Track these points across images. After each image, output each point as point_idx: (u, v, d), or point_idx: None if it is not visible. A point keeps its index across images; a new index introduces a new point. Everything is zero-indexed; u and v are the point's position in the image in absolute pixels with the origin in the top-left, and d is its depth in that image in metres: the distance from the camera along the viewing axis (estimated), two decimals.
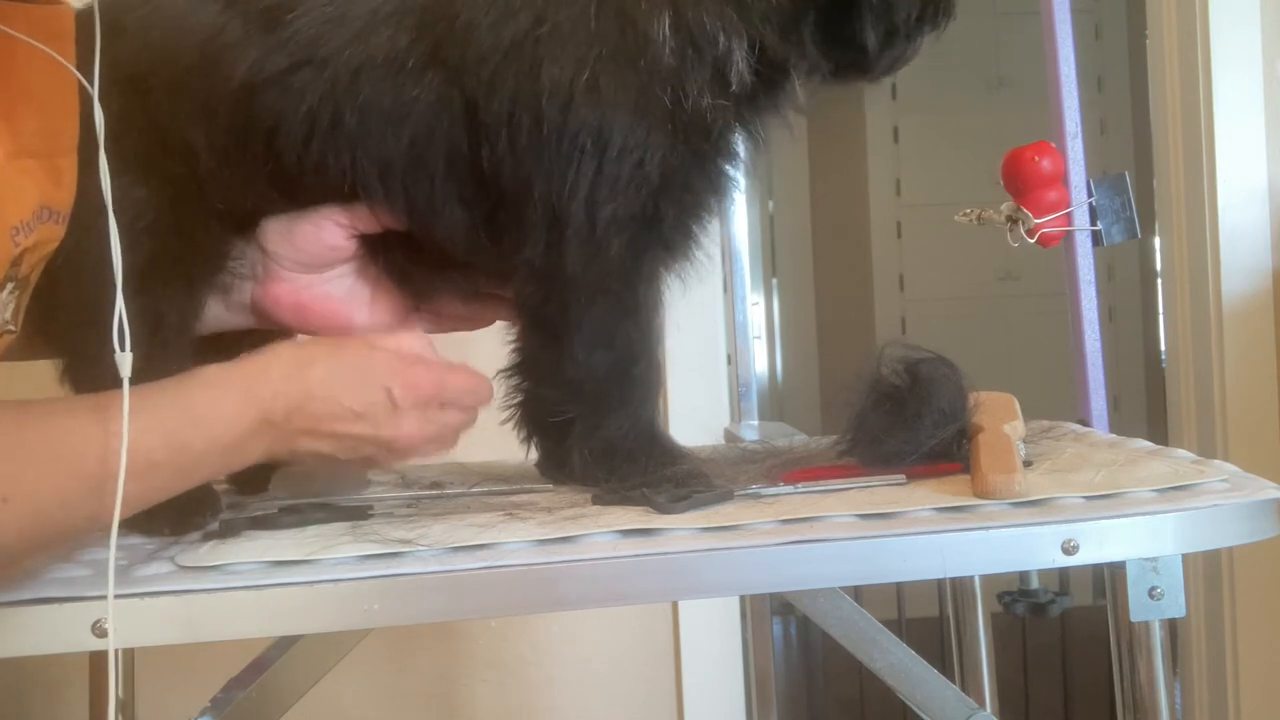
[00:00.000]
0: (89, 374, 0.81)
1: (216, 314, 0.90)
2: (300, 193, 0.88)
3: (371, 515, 0.83)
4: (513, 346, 0.94)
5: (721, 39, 0.80)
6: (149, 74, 0.84)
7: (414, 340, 0.81)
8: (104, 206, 0.71)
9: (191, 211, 0.86)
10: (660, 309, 0.90)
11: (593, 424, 0.87)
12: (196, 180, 0.86)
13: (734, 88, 0.82)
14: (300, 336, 0.91)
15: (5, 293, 0.72)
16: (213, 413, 0.71)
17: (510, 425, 0.94)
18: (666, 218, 0.85)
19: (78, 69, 0.73)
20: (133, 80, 0.83)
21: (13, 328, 0.75)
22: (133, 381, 0.68)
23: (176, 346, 0.84)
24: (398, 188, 0.86)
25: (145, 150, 0.83)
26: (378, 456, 0.80)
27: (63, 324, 0.83)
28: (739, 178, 0.90)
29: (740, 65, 0.81)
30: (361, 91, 0.84)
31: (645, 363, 0.88)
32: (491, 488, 0.94)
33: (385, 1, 0.85)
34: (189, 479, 0.72)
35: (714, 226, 0.94)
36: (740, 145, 0.88)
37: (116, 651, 0.65)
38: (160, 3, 0.86)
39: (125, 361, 0.66)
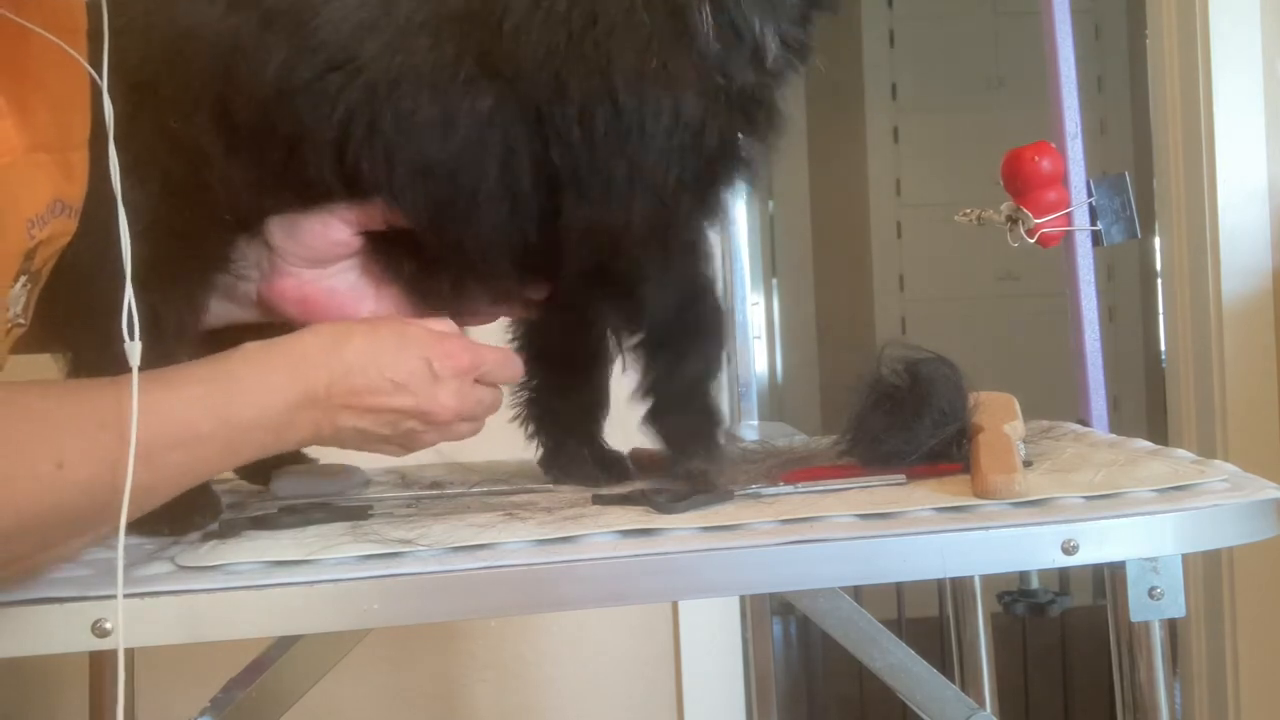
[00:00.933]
0: (95, 369, 0.81)
1: (223, 309, 0.90)
2: (321, 198, 0.88)
3: (371, 515, 0.83)
4: (516, 344, 0.94)
5: (756, 22, 0.85)
6: (156, 77, 0.84)
7: (442, 323, 0.83)
8: (108, 199, 0.71)
9: (194, 214, 0.86)
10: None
11: (672, 363, 0.91)
12: (202, 183, 0.86)
13: (769, 65, 0.87)
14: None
15: (19, 286, 0.72)
16: (258, 385, 0.71)
17: (512, 424, 0.95)
18: (720, 180, 0.89)
19: (89, 63, 0.73)
20: (139, 83, 0.83)
21: (23, 321, 0.76)
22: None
23: (176, 347, 0.84)
24: (437, 192, 0.87)
25: (150, 152, 0.83)
26: (416, 434, 0.80)
27: (66, 318, 0.83)
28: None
29: (774, 47, 0.86)
30: (404, 101, 0.84)
31: (706, 301, 0.92)
32: (491, 488, 0.94)
33: (417, 10, 0.86)
34: (237, 454, 0.72)
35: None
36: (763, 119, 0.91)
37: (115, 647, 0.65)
38: (162, 3, 0.86)
39: (135, 351, 0.66)
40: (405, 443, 0.81)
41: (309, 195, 0.88)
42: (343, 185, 0.87)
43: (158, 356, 0.76)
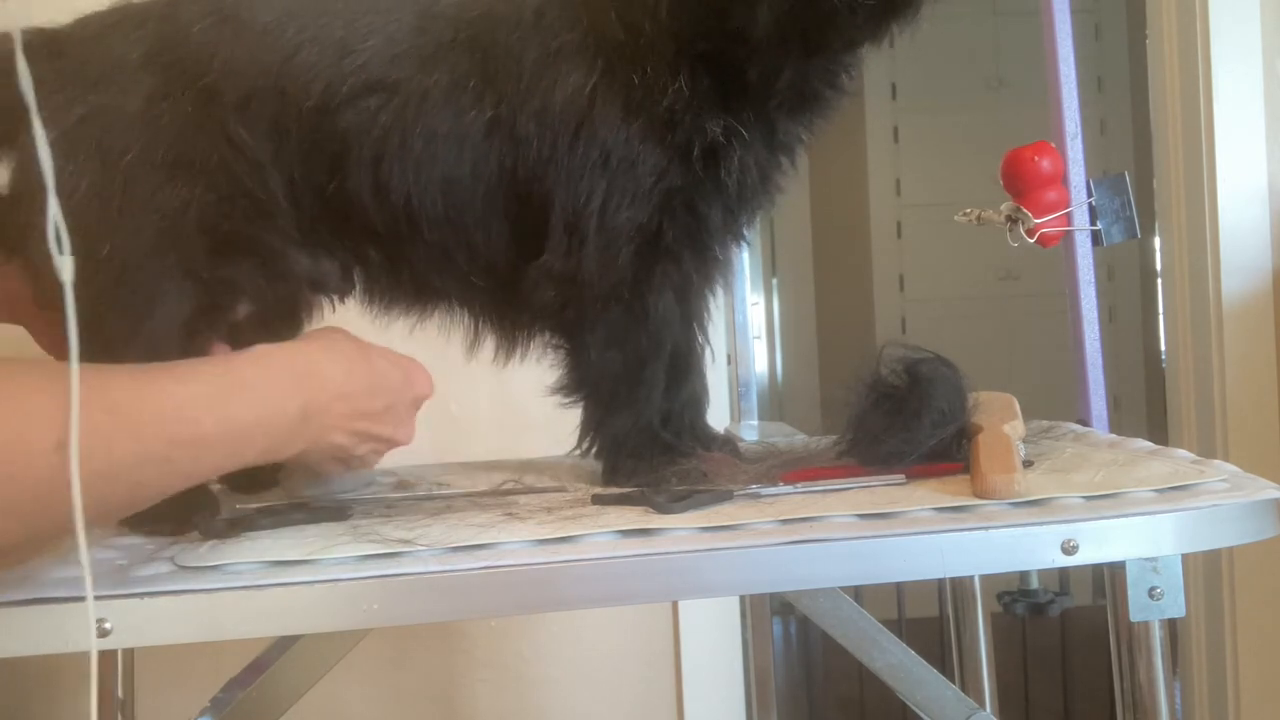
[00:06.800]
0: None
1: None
2: (351, 214, 0.90)
3: (350, 516, 0.83)
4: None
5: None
6: (220, 87, 0.86)
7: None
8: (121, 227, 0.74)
9: (245, 218, 0.88)
10: (673, 318, 0.92)
11: (599, 418, 0.91)
12: (256, 193, 0.87)
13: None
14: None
15: None
16: (264, 392, 0.72)
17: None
18: (666, 234, 0.87)
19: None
20: (205, 90, 0.85)
21: None
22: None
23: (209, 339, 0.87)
24: (456, 204, 0.89)
25: (207, 156, 0.85)
26: (369, 456, 0.84)
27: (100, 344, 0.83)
28: (768, 197, 0.93)
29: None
30: (428, 115, 0.87)
31: (654, 366, 0.90)
32: (459, 490, 0.94)
33: (445, 30, 0.88)
34: (237, 458, 0.71)
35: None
36: (754, 166, 0.91)
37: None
38: (228, 15, 0.88)
39: (67, 265, 0.62)
40: (356, 464, 0.85)
41: (339, 219, 0.90)
42: (373, 201, 0.89)
43: (196, 348, 0.80)
